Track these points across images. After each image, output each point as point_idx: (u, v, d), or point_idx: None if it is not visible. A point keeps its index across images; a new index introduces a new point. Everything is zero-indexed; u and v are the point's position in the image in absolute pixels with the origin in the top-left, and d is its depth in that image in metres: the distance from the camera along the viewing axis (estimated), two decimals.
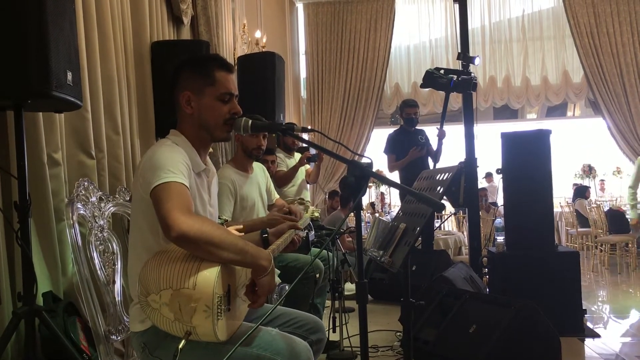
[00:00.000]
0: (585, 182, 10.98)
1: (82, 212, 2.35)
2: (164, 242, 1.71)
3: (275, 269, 3.29)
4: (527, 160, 4.37)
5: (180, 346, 1.53)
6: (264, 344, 1.67)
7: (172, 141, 1.84)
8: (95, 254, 2.33)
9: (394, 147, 5.60)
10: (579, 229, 8.38)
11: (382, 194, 11.34)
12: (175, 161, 1.70)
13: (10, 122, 2.16)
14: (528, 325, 3.12)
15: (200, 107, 1.86)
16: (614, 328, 4.53)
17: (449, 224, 9.39)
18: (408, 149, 5.52)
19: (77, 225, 2.29)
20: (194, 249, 1.56)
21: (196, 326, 1.53)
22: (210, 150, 2.50)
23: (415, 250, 4.43)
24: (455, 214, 8.36)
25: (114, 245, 2.48)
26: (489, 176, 10.89)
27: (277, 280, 3.19)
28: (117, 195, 2.67)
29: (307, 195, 5.09)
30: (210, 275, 1.53)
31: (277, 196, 3.72)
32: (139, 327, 1.77)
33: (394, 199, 11.20)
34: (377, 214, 8.96)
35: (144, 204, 1.68)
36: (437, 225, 7.26)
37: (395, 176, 5.66)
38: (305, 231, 2.96)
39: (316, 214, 2.86)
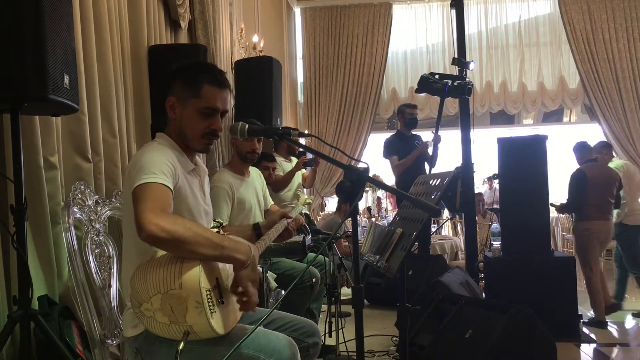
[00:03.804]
0: None
1: (78, 215, 2.34)
2: None
3: (272, 273, 3.30)
4: (524, 165, 4.39)
5: (180, 347, 1.54)
6: (247, 341, 1.67)
7: (158, 142, 1.87)
8: (91, 258, 2.33)
9: (394, 150, 5.59)
10: None
11: (378, 198, 11.34)
12: (158, 162, 1.71)
13: (6, 125, 2.15)
14: (524, 331, 3.12)
15: (182, 115, 1.88)
16: (609, 333, 4.54)
17: (446, 229, 9.40)
18: (406, 154, 5.52)
19: (73, 229, 2.28)
20: (167, 249, 1.58)
21: (192, 324, 1.55)
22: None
23: (411, 255, 4.43)
24: (451, 218, 8.37)
25: (110, 249, 2.48)
26: (490, 180, 10.81)
27: (274, 284, 3.18)
28: (113, 199, 2.67)
29: None
30: (193, 271, 1.55)
31: (272, 202, 3.73)
32: (131, 332, 1.78)
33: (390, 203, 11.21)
34: (373, 219, 8.96)
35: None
36: (433, 230, 7.27)
37: (391, 180, 5.66)
38: (301, 234, 2.96)
39: (309, 201, 2.86)
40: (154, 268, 1.57)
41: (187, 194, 1.85)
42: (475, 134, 5.00)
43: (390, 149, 5.61)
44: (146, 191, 1.61)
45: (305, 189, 5.68)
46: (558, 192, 10.00)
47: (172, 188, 1.69)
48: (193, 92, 1.86)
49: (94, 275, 2.30)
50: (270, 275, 3.19)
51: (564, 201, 5.09)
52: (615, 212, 5.08)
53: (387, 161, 5.68)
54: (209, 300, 1.56)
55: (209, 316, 1.54)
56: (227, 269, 1.77)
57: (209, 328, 1.56)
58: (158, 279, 1.54)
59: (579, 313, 4.21)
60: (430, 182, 2.51)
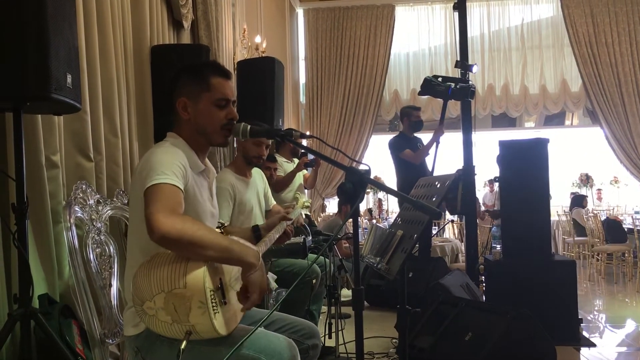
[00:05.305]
0: (583, 191, 10.99)
1: (79, 214, 2.35)
2: None
3: (273, 274, 3.30)
4: (525, 168, 4.38)
5: (183, 346, 1.54)
6: (247, 343, 1.67)
7: (170, 143, 1.86)
8: (92, 257, 2.33)
9: (404, 146, 5.52)
10: (576, 238, 8.38)
11: (379, 200, 11.34)
12: (169, 163, 1.71)
13: (9, 124, 2.16)
14: (524, 334, 3.12)
15: (196, 113, 1.87)
16: (609, 337, 4.53)
17: (447, 231, 9.39)
18: None
19: (74, 228, 2.29)
20: (177, 250, 1.59)
21: (195, 324, 1.55)
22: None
23: (412, 257, 4.43)
24: (452, 221, 8.37)
25: (111, 248, 2.48)
26: (491, 183, 10.79)
27: (274, 285, 3.18)
28: (114, 199, 2.67)
29: None
30: (198, 271, 1.55)
31: (274, 202, 3.72)
32: (132, 331, 1.78)
33: (391, 205, 11.21)
34: (374, 221, 8.96)
35: (142, 206, 1.68)
36: (434, 232, 7.26)
37: (392, 182, 5.64)
38: (302, 235, 2.97)
39: (307, 204, 2.85)
40: (158, 266, 1.57)
41: (195, 196, 1.84)
42: (477, 136, 5.00)
43: (398, 146, 5.54)
44: (157, 192, 1.61)
45: (306, 190, 5.69)
46: (559, 195, 9.98)
47: (182, 189, 1.70)
48: (202, 86, 1.87)
49: (95, 275, 2.31)
50: (271, 277, 3.19)
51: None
52: None
53: (390, 163, 5.66)
54: (213, 300, 1.56)
55: (212, 316, 1.54)
56: (231, 270, 1.77)
57: (211, 328, 1.56)
58: (162, 277, 1.54)
59: (579, 317, 4.20)
60: (432, 184, 2.51)
